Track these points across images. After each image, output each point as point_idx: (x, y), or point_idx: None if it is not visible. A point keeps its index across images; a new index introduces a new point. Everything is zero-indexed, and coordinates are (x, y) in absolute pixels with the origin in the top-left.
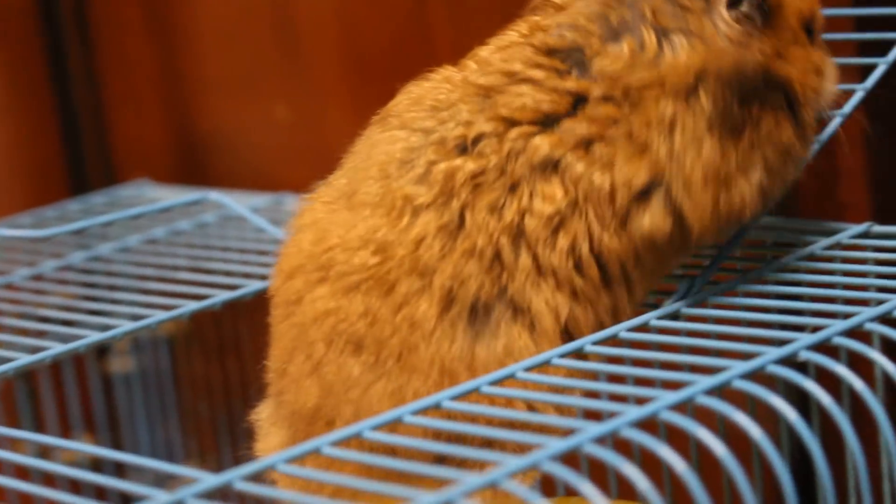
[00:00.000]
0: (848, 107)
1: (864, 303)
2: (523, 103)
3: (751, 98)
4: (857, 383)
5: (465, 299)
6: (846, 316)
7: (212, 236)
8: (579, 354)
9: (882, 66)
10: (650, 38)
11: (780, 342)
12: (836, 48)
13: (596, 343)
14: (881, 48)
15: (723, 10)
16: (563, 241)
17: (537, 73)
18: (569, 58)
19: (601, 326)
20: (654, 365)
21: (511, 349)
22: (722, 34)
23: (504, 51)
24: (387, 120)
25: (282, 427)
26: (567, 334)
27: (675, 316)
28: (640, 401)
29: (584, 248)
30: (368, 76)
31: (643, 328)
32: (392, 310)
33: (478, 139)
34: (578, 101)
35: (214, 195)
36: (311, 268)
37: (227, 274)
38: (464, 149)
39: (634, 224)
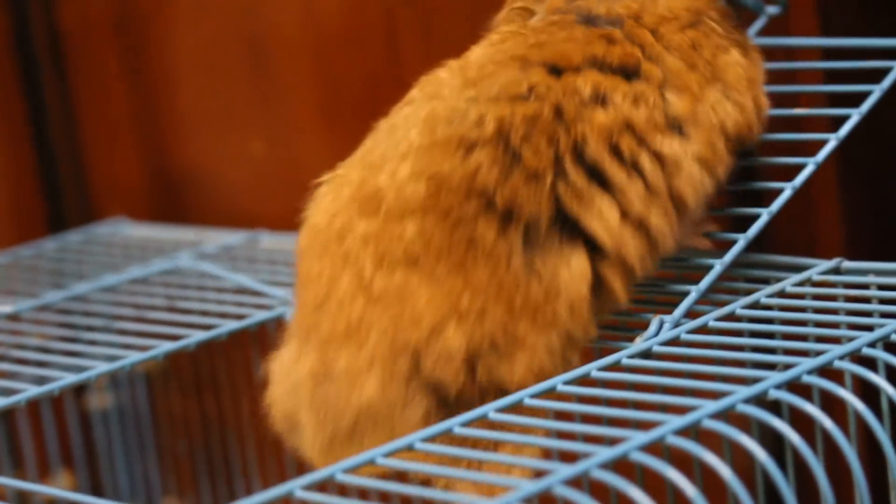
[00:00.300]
0: (821, 155)
1: (835, 340)
2: (565, 50)
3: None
4: (827, 422)
5: (522, 219)
6: (817, 354)
7: (188, 275)
8: (551, 394)
9: (855, 116)
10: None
11: (752, 381)
12: (810, 100)
13: (567, 382)
14: (853, 100)
15: None
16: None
17: (565, 32)
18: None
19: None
20: (627, 405)
21: (562, 271)
22: None
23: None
24: (412, 100)
25: (308, 356)
26: (620, 259)
27: (646, 354)
28: (613, 441)
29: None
30: (343, 111)
31: (615, 367)
32: (448, 231)
33: (531, 88)
34: (610, 42)
35: (185, 259)
36: (357, 207)
37: (203, 314)
38: (518, 97)
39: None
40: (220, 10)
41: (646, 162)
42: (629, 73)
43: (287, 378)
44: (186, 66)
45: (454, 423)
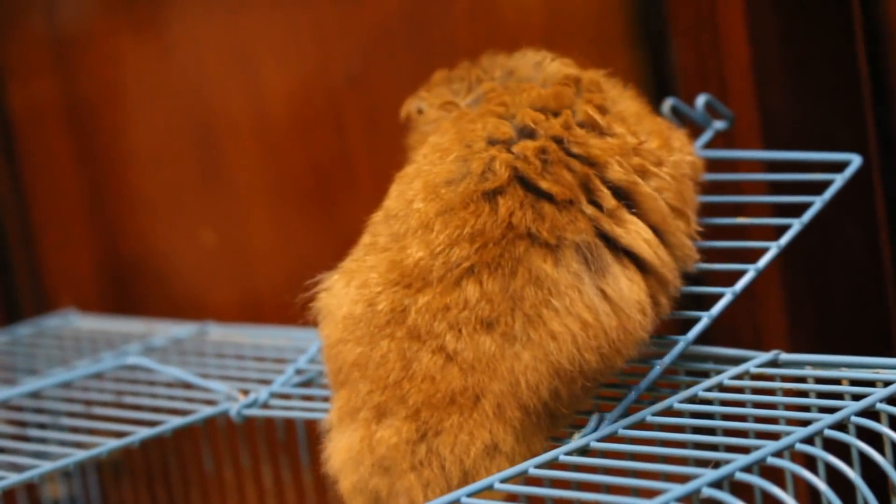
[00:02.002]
0: (762, 262)
1: (774, 435)
2: (542, 94)
3: None
4: None
5: (572, 247)
6: (753, 449)
7: (137, 370)
8: (488, 493)
9: (796, 225)
10: None
11: (686, 478)
12: (754, 210)
13: (504, 481)
14: (795, 210)
15: None
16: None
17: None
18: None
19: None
20: (562, 503)
21: (624, 286)
22: None
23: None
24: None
25: (392, 427)
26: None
27: (584, 451)
28: None
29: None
30: (291, 199)
31: (553, 464)
32: (506, 281)
33: (526, 128)
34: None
35: (134, 354)
36: (401, 285)
37: (151, 410)
38: (509, 144)
39: None
40: (170, 99)
41: (655, 179)
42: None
43: (361, 457)
44: (137, 154)
45: None
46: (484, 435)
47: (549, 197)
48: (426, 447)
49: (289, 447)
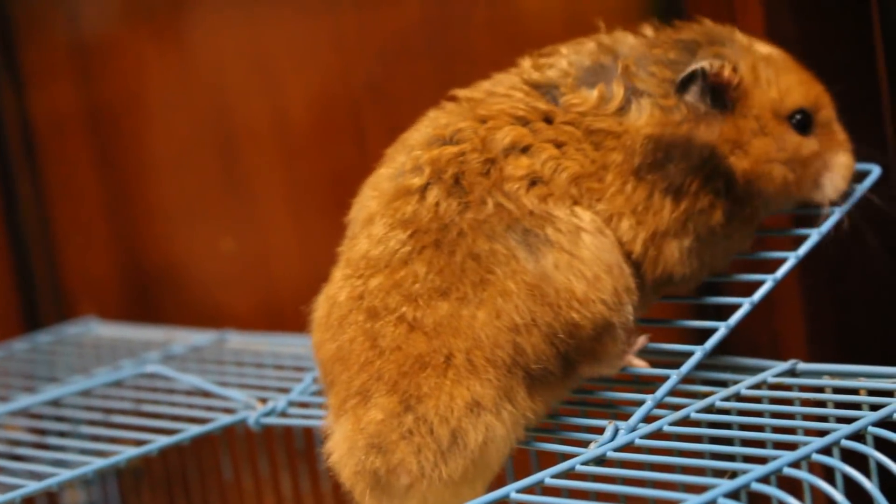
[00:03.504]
0: (780, 272)
1: (791, 445)
2: (500, 108)
3: (695, 173)
4: None
5: (502, 230)
6: (771, 459)
7: (156, 379)
8: (504, 503)
9: (815, 235)
10: (619, 91)
11: (702, 488)
12: (772, 220)
13: (520, 491)
14: (813, 220)
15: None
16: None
17: (517, 94)
18: (547, 92)
19: None
20: None
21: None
22: (678, 109)
23: (495, 79)
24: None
25: (377, 404)
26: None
27: (600, 461)
28: None
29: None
30: (311, 208)
31: (569, 474)
32: (449, 257)
33: (455, 133)
34: (547, 119)
35: (153, 363)
36: (353, 276)
37: (170, 418)
38: (444, 142)
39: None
40: (190, 107)
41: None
42: (558, 144)
43: (354, 441)
44: (158, 162)
45: None
46: (463, 392)
47: (466, 194)
48: (412, 416)
49: (307, 455)
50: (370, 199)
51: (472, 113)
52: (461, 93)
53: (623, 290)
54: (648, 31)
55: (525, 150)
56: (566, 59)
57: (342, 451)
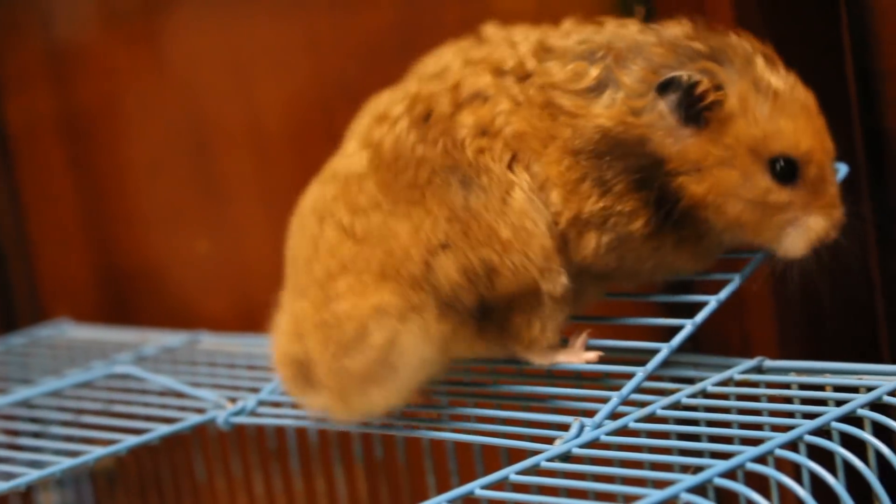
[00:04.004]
0: (748, 269)
1: (758, 441)
2: (490, 56)
3: (627, 175)
4: None
5: (445, 169)
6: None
7: (128, 379)
8: (468, 500)
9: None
10: (594, 73)
11: (657, 483)
12: None
13: (485, 487)
14: None
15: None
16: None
17: (521, 48)
18: (546, 57)
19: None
20: None
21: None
22: (648, 112)
23: (524, 29)
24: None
25: (306, 299)
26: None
27: (565, 457)
28: None
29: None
30: (286, 210)
31: (534, 471)
32: (394, 179)
33: (443, 70)
34: (521, 78)
35: (125, 363)
36: (320, 185)
37: (142, 418)
38: (431, 77)
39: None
40: (166, 111)
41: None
42: (517, 102)
43: (283, 328)
44: (133, 165)
45: None
46: (372, 297)
47: (431, 128)
48: (329, 310)
49: (280, 455)
50: (366, 115)
51: (468, 54)
52: (488, 29)
53: (552, 253)
54: (669, 28)
55: (486, 100)
56: (584, 35)
57: (275, 336)
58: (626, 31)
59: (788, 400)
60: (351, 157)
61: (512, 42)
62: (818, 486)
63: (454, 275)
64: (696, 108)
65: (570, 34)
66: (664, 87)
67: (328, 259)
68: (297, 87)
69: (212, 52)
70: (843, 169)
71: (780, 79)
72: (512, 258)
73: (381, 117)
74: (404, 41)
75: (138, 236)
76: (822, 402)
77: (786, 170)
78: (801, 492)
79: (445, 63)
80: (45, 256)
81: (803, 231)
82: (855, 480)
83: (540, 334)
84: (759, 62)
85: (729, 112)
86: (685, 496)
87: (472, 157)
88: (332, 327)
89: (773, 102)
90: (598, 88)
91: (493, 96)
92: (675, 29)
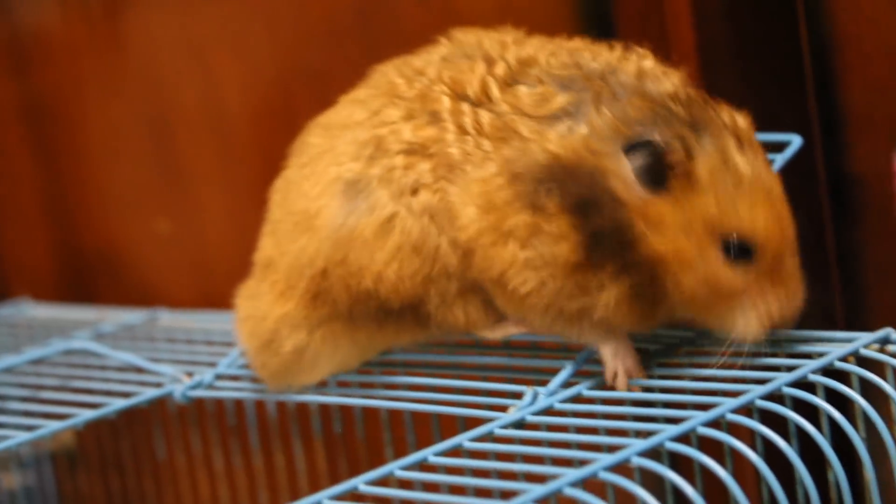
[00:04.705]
0: None
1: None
2: (458, 74)
3: (561, 197)
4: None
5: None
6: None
7: (87, 355)
8: (422, 465)
9: None
10: (561, 101)
11: (610, 448)
12: None
13: (439, 454)
14: None
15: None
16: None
17: (478, 69)
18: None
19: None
20: (492, 475)
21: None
22: (603, 155)
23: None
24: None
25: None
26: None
27: (519, 424)
28: None
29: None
30: (245, 189)
31: (487, 437)
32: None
33: (418, 73)
34: (481, 104)
35: (82, 340)
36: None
37: (95, 392)
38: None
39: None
40: (125, 93)
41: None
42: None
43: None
44: (93, 147)
45: (322, 497)
46: (283, 304)
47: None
48: (254, 304)
49: (239, 432)
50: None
51: (440, 72)
52: (472, 37)
53: (436, 275)
54: (662, 81)
55: (436, 121)
56: (575, 58)
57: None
58: (623, 67)
59: (743, 367)
60: (307, 139)
61: (490, 58)
62: (774, 454)
63: (343, 294)
64: (662, 173)
65: (559, 53)
66: (633, 148)
67: (259, 255)
68: (256, 67)
69: (171, 33)
70: (796, 140)
71: (748, 160)
72: (385, 286)
73: (348, 112)
74: (363, 20)
75: (99, 217)
76: (776, 369)
77: (739, 251)
78: (753, 456)
79: (423, 71)
80: (5, 237)
81: (754, 314)
82: (809, 447)
83: (465, 320)
84: (732, 141)
85: (694, 183)
86: (636, 460)
87: (383, 172)
88: (256, 321)
89: (736, 182)
90: (559, 117)
91: (444, 122)
92: (667, 84)
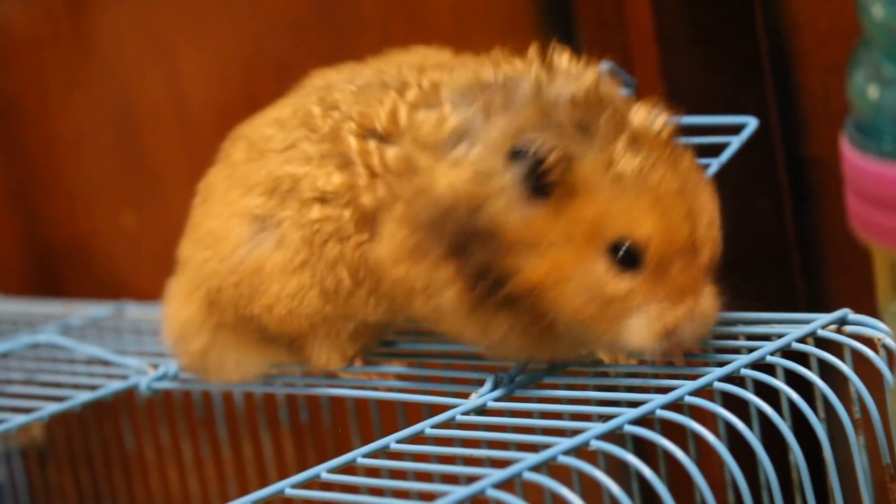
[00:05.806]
0: None
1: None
2: (361, 108)
3: (451, 240)
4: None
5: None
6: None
7: (53, 349)
8: (385, 452)
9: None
10: (452, 123)
11: (573, 432)
12: None
13: (400, 441)
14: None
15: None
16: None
17: (388, 100)
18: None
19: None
20: (458, 461)
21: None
22: (495, 180)
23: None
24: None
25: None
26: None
27: (481, 410)
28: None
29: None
30: None
31: (449, 424)
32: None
33: (335, 104)
34: (389, 138)
35: (49, 333)
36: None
37: (62, 386)
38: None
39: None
40: (90, 86)
41: None
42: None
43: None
44: (58, 140)
45: (285, 486)
46: (188, 306)
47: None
48: (169, 300)
49: (207, 423)
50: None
51: (351, 106)
52: (395, 56)
53: (336, 317)
54: (566, 84)
55: (347, 166)
56: (473, 73)
57: None
58: (529, 74)
59: (703, 350)
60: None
61: (405, 83)
62: (736, 437)
63: (230, 310)
64: (543, 181)
65: (460, 69)
66: (515, 155)
67: (182, 255)
68: (219, 60)
69: (134, 27)
70: (752, 122)
71: (638, 162)
72: (273, 314)
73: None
74: (325, 11)
75: (65, 210)
76: (736, 352)
77: (625, 258)
78: (711, 437)
79: (337, 104)
80: None
81: (646, 321)
82: (772, 428)
83: (326, 360)
84: (623, 142)
85: (573, 187)
86: (595, 443)
87: (295, 215)
88: (169, 318)
89: (620, 185)
90: (453, 141)
91: (353, 165)
92: (571, 86)
